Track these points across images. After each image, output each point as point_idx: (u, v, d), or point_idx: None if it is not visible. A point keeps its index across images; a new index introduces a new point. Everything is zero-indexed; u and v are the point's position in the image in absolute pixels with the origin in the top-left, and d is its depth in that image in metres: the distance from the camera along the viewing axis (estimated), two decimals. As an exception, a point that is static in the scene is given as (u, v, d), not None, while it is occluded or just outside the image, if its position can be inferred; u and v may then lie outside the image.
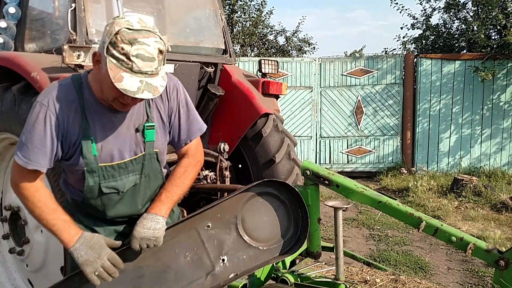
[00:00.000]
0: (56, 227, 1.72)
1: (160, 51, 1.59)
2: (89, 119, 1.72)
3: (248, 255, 1.96)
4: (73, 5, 2.80)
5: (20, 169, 1.71)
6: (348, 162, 9.33)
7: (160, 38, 1.60)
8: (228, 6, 12.84)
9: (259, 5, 13.35)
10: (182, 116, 1.92)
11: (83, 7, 2.83)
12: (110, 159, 1.78)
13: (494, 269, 2.10)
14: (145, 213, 1.86)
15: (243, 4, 13.21)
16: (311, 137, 9.37)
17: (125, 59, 1.52)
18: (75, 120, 1.70)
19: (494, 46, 8.45)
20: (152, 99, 1.81)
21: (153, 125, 1.84)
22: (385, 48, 11.75)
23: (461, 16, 10.12)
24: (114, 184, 1.81)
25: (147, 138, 1.83)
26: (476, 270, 4.30)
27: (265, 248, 1.98)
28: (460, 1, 9.79)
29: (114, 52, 1.52)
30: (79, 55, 2.51)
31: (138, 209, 1.91)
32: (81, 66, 2.57)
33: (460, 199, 6.75)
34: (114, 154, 1.79)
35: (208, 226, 1.92)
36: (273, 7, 21.69)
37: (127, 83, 1.52)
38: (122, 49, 1.51)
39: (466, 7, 9.93)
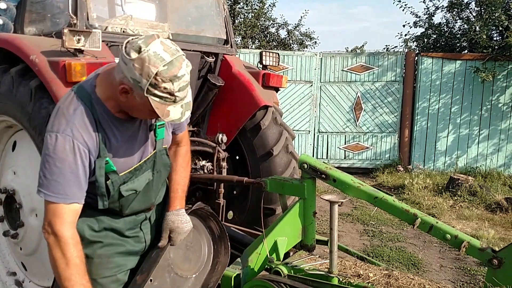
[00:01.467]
0: None
1: (191, 70, 1.62)
2: (110, 137, 1.70)
3: (188, 286, 2.16)
4: (74, -12, 2.77)
5: (56, 209, 1.60)
6: (345, 158, 9.34)
7: (183, 55, 1.60)
8: (230, -3, 12.77)
9: (262, -3, 13.28)
10: None
11: (84, -9, 2.80)
12: (130, 166, 1.81)
13: (486, 268, 2.11)
14: (173, 210, 2.02)
15: (246, -5, 13.14)
16: (309, 131, 9.37)
17: (169, 96, 1.54)
18: (96, 141, 1.66)
19: (496, 47, 8.44)
20: None
21: (164, 124, 1.89)
22: (386, 45, 11.76)
23: (464, 16, 10.10)
24: (132, 186, 1.83)
25: (158, 136, 1.88)
26: (469, 268, 4.33)
27: (197, 273, 2.20)
28: (463, 1, 9.76)
29: (156, 92, 1.52)
30: (79, 40, 2.48)
31: (151, 202, 1.99)
32: (80, 51, 2.54)
33: (455, 198, 6.78)
34: (133, 160, 1.82)
35: (151, 280, 1.98)
36: (275, -1, 21.57)
37: (173, 114, 1.58)
38: (165, 88, 1.52)
39: (469, 7, 9.90)
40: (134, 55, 1.50)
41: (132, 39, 1.56)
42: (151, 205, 2.00)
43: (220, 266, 2.24)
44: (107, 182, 1.74)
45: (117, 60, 2.94)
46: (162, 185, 2.07)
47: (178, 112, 1.59)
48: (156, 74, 1.49)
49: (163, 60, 1.50)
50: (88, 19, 2.84)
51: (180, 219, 2.02)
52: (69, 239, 1.61)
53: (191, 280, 2.18)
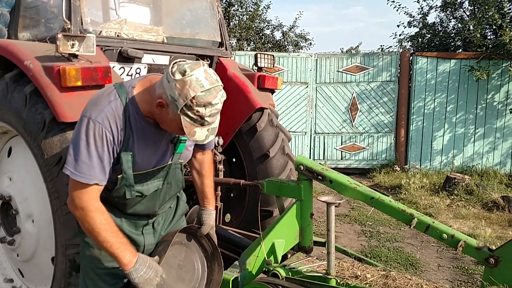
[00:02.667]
0: (119, 250, 1.79)
1: (224, 100, 1.72)
2: (134, 135, 1.82)
3: None
4: (68, -7, 2.76)
5: (81, 187, 1.75)
6: (342, 159, 9.36)
7: (221, 86, 1.72)
8: (225, -1, 12.78)
9: (256, -1, 13.30)
10: None
11: (78, -4, 2.80)
12: (144, 169, 1.91)
13: (483, 267, 2.12)
14: (207, 209, 2.26)
15: (240, -3, 13.15)
16: (305, 132, 9.38)
17: (200, 119, 1.67)
18: (122, 135, 1.79)
19: (490, 46, 8.48)
20: None
21: (186, 139, 1.99)
22: (381, 46, 11.75)
23: (458, 15, 10.14)
24: (140, 188, 1.93)
25: (177, 150, 1.99)
26: (466, 267, 4.34)
27: None
28: (457, 0, 9.80)
29: (189, 113, 1.65)
30: (73, 44, 2.47)
31: (154, 210, 2.09)
32: (75, 56, 2.54)
33: (452, 197, 6.80)
34: (149, 164, 1.92)
35: None
36: (270, 1, 21.60)
37: (198, 135, 1.71)
38: (198, 111, 1.65)
39: (463, 6, 9.95)
40: (178, 76, 1.64)
41: (180, 61, 1.71)
42: (153, 212, 2.08)
43: (214, 284, 2.21)
44: (119, 176, 1.84)
45: (112, 64, 2.95)
46: (171, 198, 2.16)
47: (203, 134, 1.72)
48: (193, 97, 1.62)
49: (203, 86, 1.64)
50: (82, 24, 2.83)
51: (211, 217, 2.27)
52: (94, 210, 1.77)
53: None
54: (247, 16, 13.32)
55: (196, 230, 2.20)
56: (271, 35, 13.90)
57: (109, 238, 1.77)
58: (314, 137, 9.40)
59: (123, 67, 3.11)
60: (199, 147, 2.21)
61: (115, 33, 3.10)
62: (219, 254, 2.21)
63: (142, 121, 1.82)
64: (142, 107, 1.80)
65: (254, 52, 7.52)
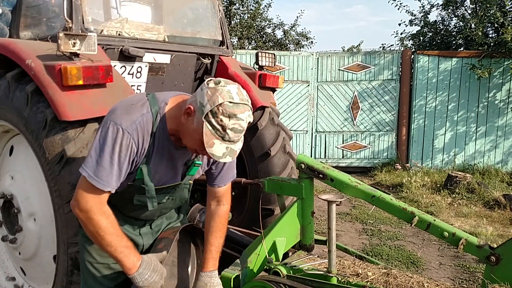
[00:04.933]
0: (123, 254, 1.80)
1: (249, 122, 1.71)
2: (155, 151, 1.84)
3: None
4: (69, -8, 2.76)
5: (93, 191, 1.74)
6: (343, 157, 9.35)
7: (250, 109, 1.73)
8: (226, -2, 12.77)
9: (257, -2, 13.30)
10: (222, 164, 2.07)
11: (79, -5, 2.80)
12: (155, 184, 1.92)
13: (485, 265, 2.12)
14: (206, 272, 2.09)
15: (242, -4, 13.14)
16: (306, 131, 9.37)
17: (221, 130, 1.65)
18: (145, 149, 1.81)
19: (491, 44, 8.46)
20: None
21: (200, 164, 2.00)
22: (382, 44, 11.72)
23: (459, 14, 10.12)
24: (146, 200, 1.94)
25: (189, 172, 2.01)
26: (467, 266, 4.34)
27: None
28: (458, -2, 9.79)
29: (213, 120, 1.64)
30: (74, 43, 2.48)
31: (153, 218, 2.13)
32: (76, 54, 2.54)
33: (454, 195, 6.79)
34: (159, 181, 1.93)
35: None
36: (271, -1, 21.59)
37: (216, 149, 1.68)
38: (221, 120, 1.63)
39: (464, 5, 9.93)
40: (212, 84, 1.68)
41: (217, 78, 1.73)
42: (151, 218, 2.12)
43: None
44: (129, 183, 1.86)
45: (113, 63, 2.96)
46: (174, 208, 2.20)
47: (221, 151, 1.68)
48: (220, 104, 1.63)
49: (232, 98, 1.65)
50: (83, 23, 2.83)
51: (212, 281, 2.10)
52: (101, 213, 1.77)
53: None
54: (248, 15, 13.32)
55: (190, 227, 2.23)
56: (272, 34, 13.90)
57: (113, 242, 1.77)
58: (315, 135, 9.40)
59: (124, 66, 3.12)
60: (212, 184, 2.11)
61: (117, 32, 3.11)
62: None
63: (165, 139, 1.84)
64: (169, 124, 1.82)
65: (255, 51, 7.52)
